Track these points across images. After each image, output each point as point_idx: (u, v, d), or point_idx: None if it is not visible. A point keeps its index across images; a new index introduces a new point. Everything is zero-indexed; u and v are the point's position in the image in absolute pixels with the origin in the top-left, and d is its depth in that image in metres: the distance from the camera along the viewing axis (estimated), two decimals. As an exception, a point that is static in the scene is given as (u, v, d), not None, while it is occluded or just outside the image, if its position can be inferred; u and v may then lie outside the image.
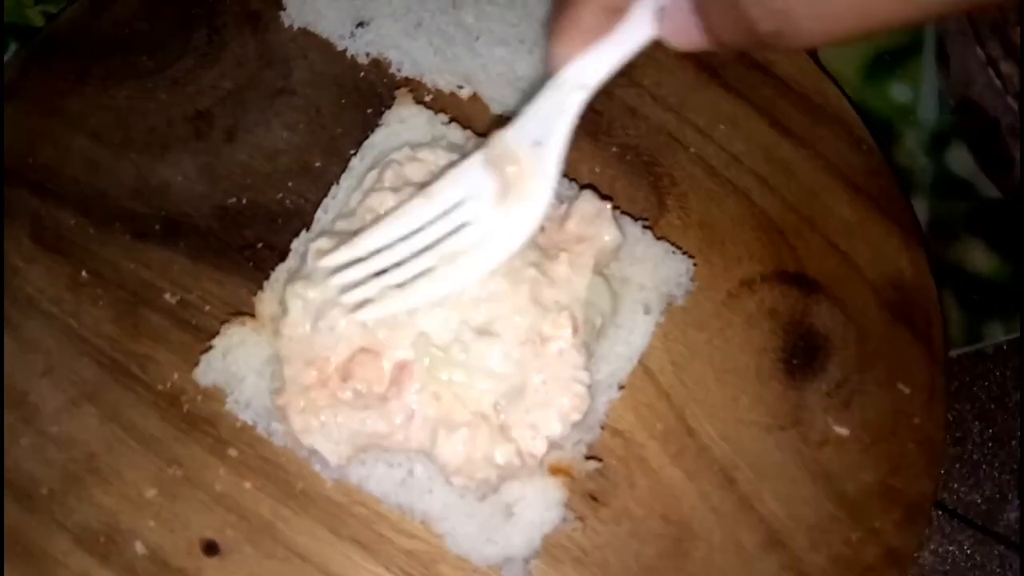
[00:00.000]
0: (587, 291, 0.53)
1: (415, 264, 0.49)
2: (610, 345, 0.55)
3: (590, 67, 0.43)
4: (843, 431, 0.57)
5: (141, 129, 0.62)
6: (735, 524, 0.55)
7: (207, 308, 0.58)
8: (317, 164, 0.61)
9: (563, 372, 0.52)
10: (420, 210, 0.49)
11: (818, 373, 0.58)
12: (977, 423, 0.65)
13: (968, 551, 0.62)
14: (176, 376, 0.56)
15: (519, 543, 0.51)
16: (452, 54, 0.63)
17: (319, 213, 0.58)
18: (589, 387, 0.52)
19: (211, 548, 0.54)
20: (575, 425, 0.52)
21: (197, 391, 0.56)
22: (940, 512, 0.63)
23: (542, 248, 0.53)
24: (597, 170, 0.62)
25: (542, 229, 0.54)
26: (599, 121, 0.63)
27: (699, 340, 0.58)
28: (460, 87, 0.63)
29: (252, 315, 0.55)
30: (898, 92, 0.71)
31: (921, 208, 0.68)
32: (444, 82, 0.63)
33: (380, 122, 0.60)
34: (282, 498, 0.54)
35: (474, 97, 0.63)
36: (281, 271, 0.56)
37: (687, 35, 0.40)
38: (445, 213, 0.48)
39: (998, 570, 0.62)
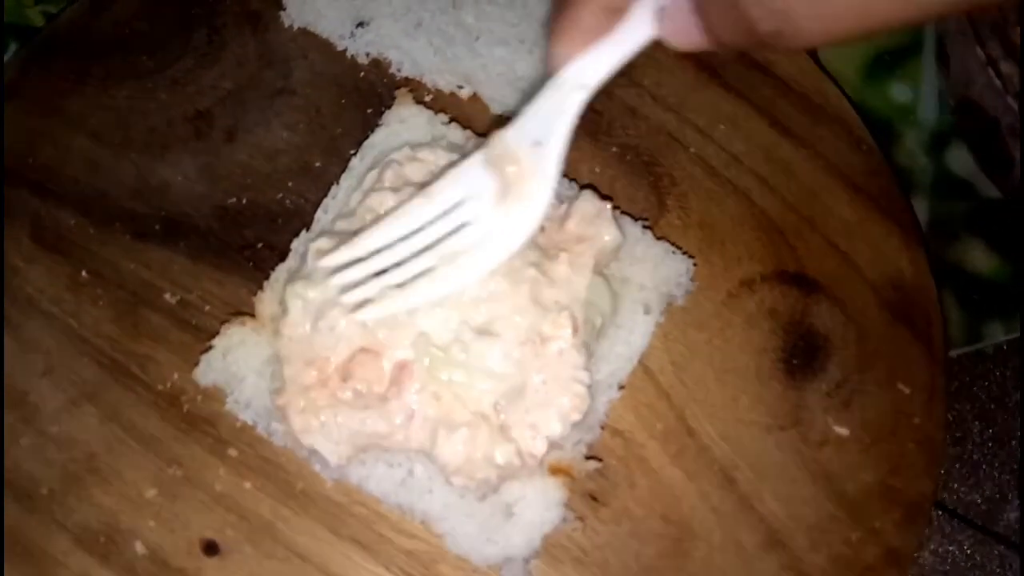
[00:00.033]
0: (587, 291, 0.53)
1: (415, 264, 0.49)
2: (610, 345, 0.55)
3: (590, 67, 0.43)
4: (843, 431, 0.57)
5: (141, 129, 0.62)
6: (735, 524, 0.55)
7: (207, 308, 0.58)
8: (317, 164, 0.61)
9: (563, 372, 0.52)
10: (420, 210, 0.49)
11: (818, 373, 0.58)
12: (977, 423, 0.65)
13: (968, 551, 0.62)
14: (176, 376, 0.56)
15: (519, 543, 0.51)
16: (452, 54, 0.63)
17: (319, 213, 0.58)
18: (589, 387, 0.52)
19: (211, 548, 0.54)
20: (575, 425, 0.52)
21: (197, 391, 0.56)
22: (940, 512, 0.63)
23: (542, 248, 0.53)
24: (597, 170, 0.62)
25: (542, 229, 0.54)
26: (599, 121, 0.63)
27: (699, 340, 0.58)
28: (460, 87, 0.63)
29: (252, 315, 0.55)
30: (898, 92, 0.71)
31: (921, 208, 0.68)
32: (444, 82, 0.63)
33: (380, 122, 0.60)
34: (282, 498, 0.54)
35: (474, 97, 0.63)
36: (281, 271, 0.56)
37: (687, 35, 0.39)
38: (445, 213, 0.48)
39: (998, 570, 0.62)
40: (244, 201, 0.61)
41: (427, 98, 0.63)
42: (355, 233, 0.52)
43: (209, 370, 0.55)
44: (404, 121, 0.60)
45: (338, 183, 0.59)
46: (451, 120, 0.60)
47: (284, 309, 0.52)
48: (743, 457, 0.56)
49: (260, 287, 0.56)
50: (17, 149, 0.61)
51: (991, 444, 0.65)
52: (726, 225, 0.61)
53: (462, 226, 0.48)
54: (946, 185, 0.69)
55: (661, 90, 0.63)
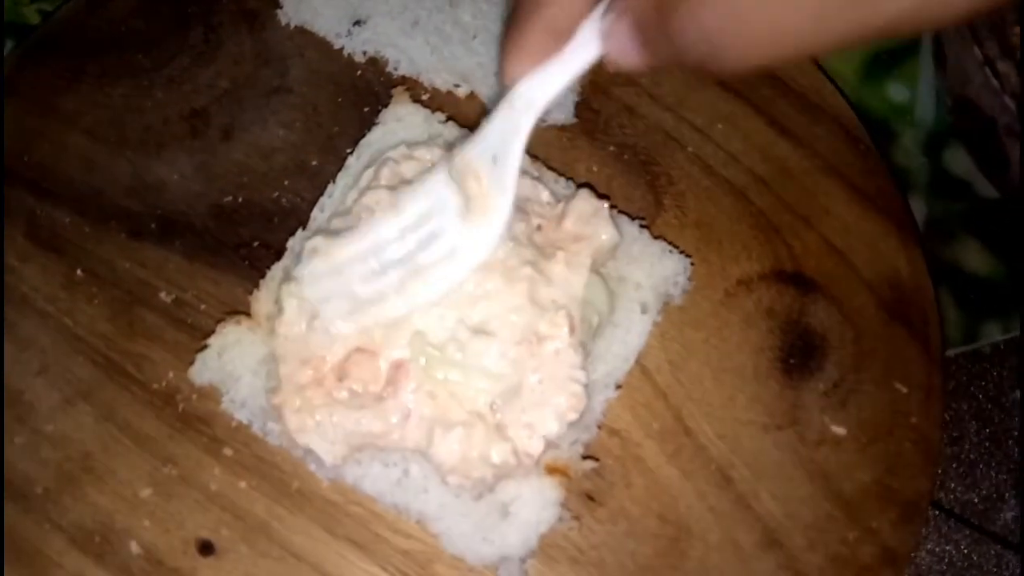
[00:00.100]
0: (584, 290, 0.53)
1: (387, 279, 0.50)
2: (607, 344, 0.55)
3: (539, 86, 0.46)
4: (840, 430, 0.57)
5: (137, 127, 0.62)
6: (732, 523, 0.54)
7: (203, 307, 0.58)
8: (313, 163, 0.61)
9: (560, 371, 0.52)
10: (389, 222, 0.51)
11: (815, 372, 0.58)
12: (974, 423, 0.65)
13: (965, 551, 0.62)
14: (171, 375, 0.56)
15: (515, 543, 0.51)
16: (449, 52, 0.63)
17: (315, 212, 0.58)
18: (586, 386, 0.52)
19: (206, 548, 0.53)
20: (571, 424, 0.52)
21: (192, 390, 0.56)
22: (937, 512, 0.63)
23: (539, 247, 0.53)
24: (594, 169, 0.62)
25: (538, 228, 0.54)
26: (596, 120, 0.63)
27: (696, 339, 0.58)
28: (457, 85, 0.63)
29: (248, 314, 0.55)
30: (895, 92, 0.71)
31: (918, 208, 0.68)
32: (441, 80, 0.63)
33: (377, 120, 0.60)
34: (277, 497, 0.54)
35: (471, 95, 0.63)
36: (277, 270, 0.56)
37: (628, 56, 0.41)
38: (414, 225, 0.50)
39: (995, 570, 0.62)
40: (240, 200, 0.60)
41: (424, 96, 0.63)
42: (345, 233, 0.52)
43: (204, 369, 0.54)
44: (401, 119, 0.60)
45: (334, 182, 0.58)
46: (448, 118, 0.60)
47: (279, 308, 0.52)
48: (740, 456, 0.56)
49: (256, 286, 0.56)
50: (12, 147, 0.61)
51: (988, 444, 0.65)
52: (723, 224, 0.61)
53: (431, 237, 0.50)
54: (943, 185, 0.69)
55: (659, 89, 0.63)
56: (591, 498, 0.55)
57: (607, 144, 0.62)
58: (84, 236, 0.59)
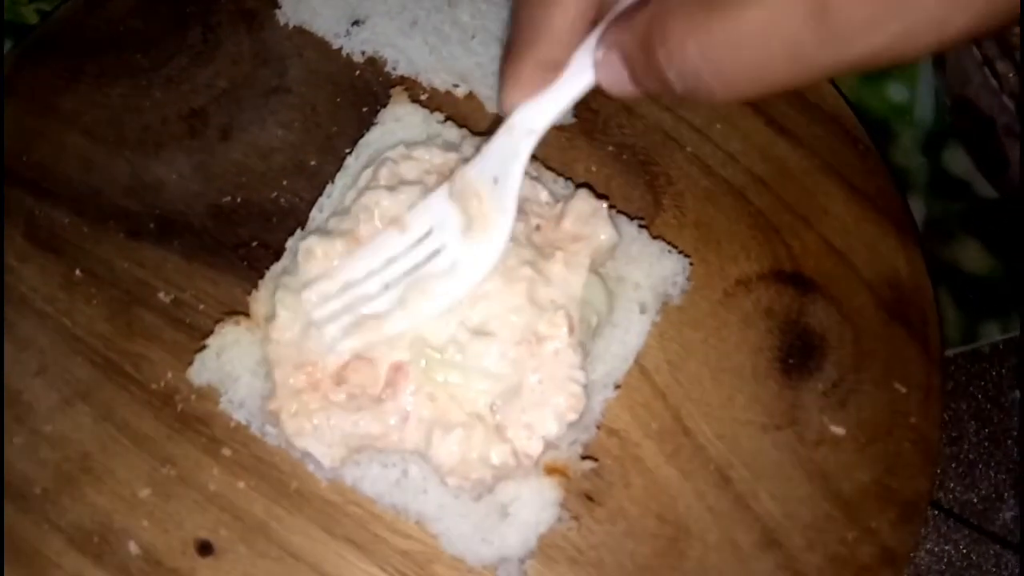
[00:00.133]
0: (583, 290, 0.53)
1: (389, 295, 0.51)
2: (606, 344, 0.55)
3: (537, 113, 0.47)
4: (839, 430, 0.57)
5: (135, 127, 0.62)
6: (731, 523, 0.54)
7: (201, 307, 0.58)
8: (312, 163, 0.61)
9: (559, 372, 0.51)
10: (393, 239, 0.52)
11: (814, 372, 0.58)
12: (973, 422, 0.65)
13: (964, 550, 0.62)
14: (170, 375, 0.56)
15: (514, 543, 0.51)
16: (447, 52, 0.63)
17: (314, 212, 0.58)
18: (585, 387, 0.52)
19: (205, 548, 0.53)
20: (571, 425, 0.52)
21: (191, 390, 0.56)
22: (936, 511, 0.63)
23: (538, 247, 0.53)
24: (593, 169, 0.62)
25: (537, 228, 0.54)
26: (595, 120, 0.63)
27: (695, 339, 0.58)
28: (456, 85, 0.63)
29: (246, 314, 0.55)
30: (895, 92, 0.71)
31: (917, 207, 0.68)
32: (439, 80, 0.63)
33: (375, 120, 0.60)
34: (276, 498, 0.54)
35: (470, 95, 0.63)
36: (276, 270, 0.56)
37: (619, 84, 0.43)
38: (417, 242, 0.51)
39: (994, 570, 0.62)
40: (239, 200, 0.60)
41: (422, 96, 0.63)
42: (346, 234, 0.52)
43: (203, 369, 0.54)
44: (399, 120, 0.60)
45: (333, 182, 0.58)
46: (446, 119, 0.60)
47: (273, 313, 0.52)
48: (739, 456, 0.56)
49: (255, 286, 0.55)
50: (11, 147, 0.61)
51: (987, 443, 0.65)
52: (722, 224, 0.61)
53: (434, 254, 0.51)
54: (942, 185, 0.69)
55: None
56: (590, 498, 0.55)
57: (606, 144, 0.62)
58: (83, 236, 0.59)
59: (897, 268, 0.60)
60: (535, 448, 0.51)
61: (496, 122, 0.57)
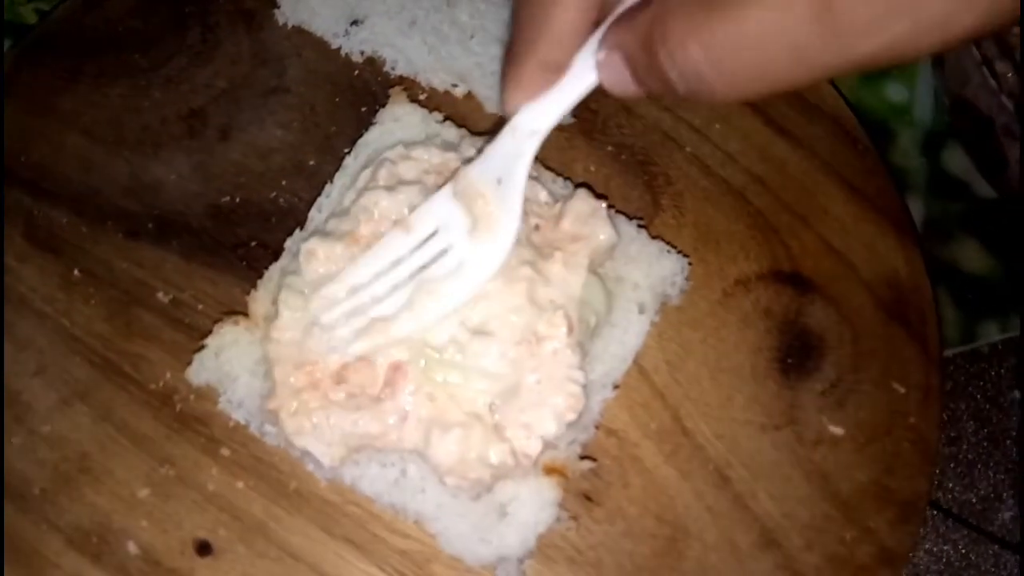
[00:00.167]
0: (582, 290, 0.53)
1: (397, 296, 0.51)
2: (605, 344, 0.55)
3: (540, 114, 0.47)
4: (838, 430, 0.57)
5: (134, 127, 0.62)
6: (729, 523, 0.54)
7: (200, 307, 0.58)
8: (311, 163, 0.61)
9: (558, 372, 0.51)
10: (398, 240, 0.52)
11: (813, 372, 0.58)
12: (972, 423, 0.65)
13: (962, 551, 0.62)
14: (169, 375, 0.56)
15: (513, 543, 0.51)
16: (446, 52, 0.63)
17: (313, 212, 0.58)
18: (584, 387, 0.52)
19: (204, 548, 0.53)
20: (569, 425, 0.52)
21: (190, 390, 0.56)
22: (935, 512, 0.63)
23: (537, 247, 0.53)
24: (592, 169, 0.62)
25: (536, 228, 0.54)
26: (594, 120, 0.63)
27: (694, 339, 0.58)
28: (454, 85, 0.63)
29: (245, 314, 0.55)
30: (894, 92, 0.71)
31: (916, 207, 0.68)
32: (438, 80, 0.63)
33: (374, 120, 0.60)
34: (275, 497, 0.54)
35: (468, 95, 0.63)
36: (275, 270, 0.56)
37: (622, 85, 0.43)
38: (423, 243, 0.51)
39: (992, 570, 0.62)
40: (237, 200, 0.60)
41: (421, 96, 0.63)
42: (346, 235, 0.52)
43: (202, 369, 0.54)
44: (398, 119, 0.60)
45: (332, 182, 0.58)
46: (445, 118, 0.60)
47: (275, 312, 0.52)
48: (738, 456, 0.56)
49: (253, 286, 0.55)
50: (10, 147, 0.61)
51: (986, 444, 0.65)
52: (721, 224, 0.61)
53: (440, 254, 0.51)
54: (941, 185, 0.69)
55: (656, 91, 0.63)
56: (589, 498, 0.55)
57: (605, 144, 0.62)
58: (81, 236, 0.59)
59: (896, 268, 0.60)
60: (534, 448, 0.51)
61: (496, 122, 0.57)
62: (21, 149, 0.61)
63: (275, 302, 0.53)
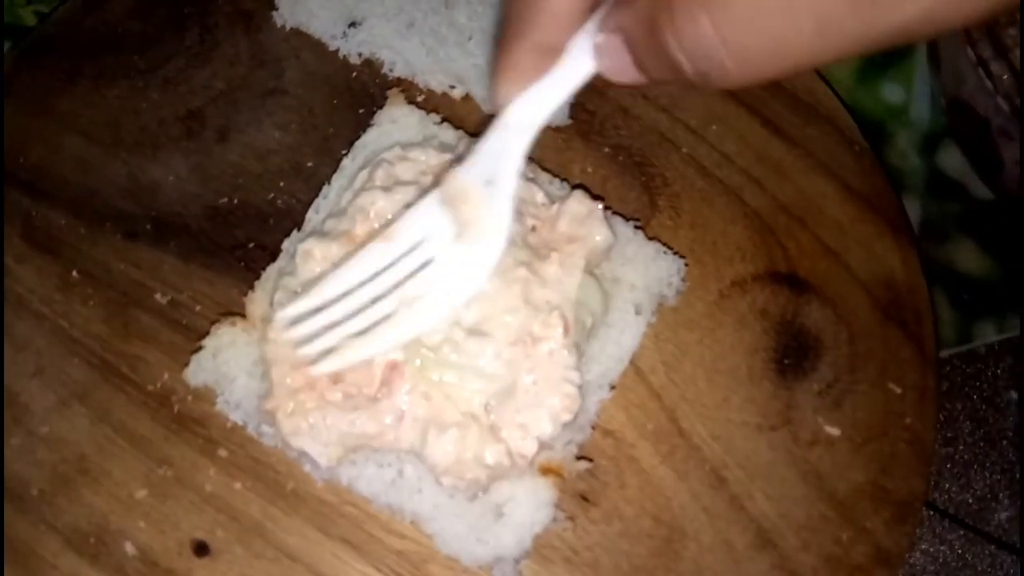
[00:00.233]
0: (578, 291, 0.53)
1: (376, 310, 0.48)
2: (601, 345, 0.55)
3: (533, 106, 0.44)
4: (834, 431, 0.57)
5: (132, 128, 0.62)
6: (726, 524, 0.55)
7: (198, 308, 0.58)
8: (309, 164, 0.61)
9: (554, 372, 0.52)
10: (381, 251, 0.49)
11: (809, 373, 0.58)
12: (968, 423, 0.65)
13: (959, 551, 0.62)
14: (166, 376, 0.56)
15: (509, 543, 0.51)
16: (444, 54, 0.63)
17: (310, 213, 0.58)
18: (580, 387, 0.52)
19: (201, 548, 0.54)
20: (566, 425, 0.52)
21: (187, 391, 0.56)
22: (931, 512, 0.63)
23: (533, 248, 0.53)
24: (589, 170, 0.62)
25: (533, 229, 0.54)
26: (591, 121, 0.63)
27: (690, 340, 0.58)
28: (452, 87, 0.63)
29: (243, 315, 0.55)
30: (890, 93, 0.71)
31: (913, 208, 0.68)
32: (436, 82, 0.63)
33: (372, 122, 0.60)
34: (272, 498, 0.54)
35: (466, 97, 0.63)
36: (272, 271, 0.56)
37: (622, 72, 0.40)
38: (406, 253, 0.48)
39: (989, 570, 0.62)
40: (235, 201, 0.61)
41: (419, 98, 0.63)
42: (342, 235, 0.52)
43: (199, 370, 0.55)
44: (396, 121, 0.60)
45: (329, 183, 0.59)
46: (443, 120, 0.60)
47: (272, 313, 0.52)
48: (734, 457, 0.56)
49: (251, 287, 0.56)
50: (8, 148, 0.61)
51: (982, 444, 0.65)
52: (717, 225, 0.61)
53: (424, 266, 0.48)
54: (938, 185, 0.69)
55: (653, 90, 0.63)
56: (585, 499, 0.55)
57: (602, 145, 0.62)
58: (79, 237, 0.60)
59: (892, 269, 0.60)
60: (530, 448, 0.51)
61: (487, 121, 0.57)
62: (20, 150, 0.61)
63: (272, 303, 0.53)
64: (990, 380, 0.66)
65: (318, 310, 0.50)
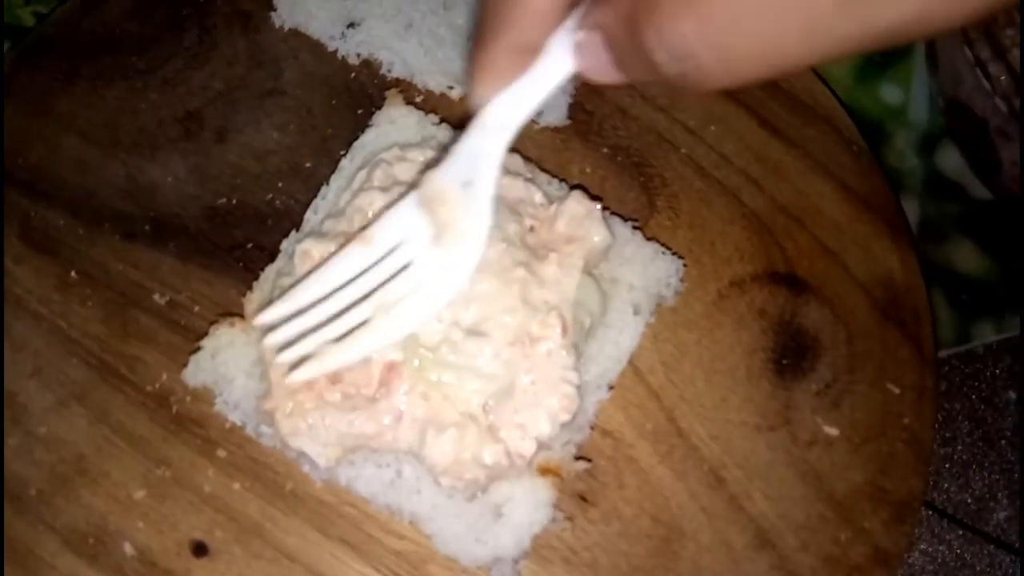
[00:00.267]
0: (576, 291, 0.53)
1: (353, 315, 0.47)
2: (599, 345, 0.55)
3: (511, 107, 0.43)
4: (833, 431, 0.57)
5: (131, 129, 0.62)
6: (724, 524, 0.55)
7: (196, 309, 0.58)
8: (307, 165, 0.61)
9: (552, 373, 0.52)
10: (358, 255, 0.48)
11: (808, 373, 0.58)
12: (967, 423, 0.65)
13: (957, 551, 0.63)
14: (165, 377, 0.56)
15: (508, 543, 0.51)
16: (442, 55, 0.63)
17: (309, 213, 0.58)
18: (578, 387, 0.52)
19: (200, 549, 0.53)
20: (564, 425, 0.52)
21: (186, 392, 0.56)
22: (930, 512, 0.63)
23: (531, 248, 0.53)
24: (587, 170, 0.62)
25: (531, 229, 0.54)
26: (589, 121, 0.63)
27: (689, 340, 0.58)
28: (450, 88, 0.63)
29: (241, 316, 0.55)
30: (889, 93, 0.71)
31: (911, 208, 0.68)
32: (434, 83, 0.63)
33: (370, 122, 0.60)
34: (271, 499, 0.54)
35: (465, 98, 0.63)
36: (270, 272, 0.56)
37: (602, 71, 0.39)
38: (383, 257, 0.47)
39: (987, 570, 0.62)
40: (234, 201, 0.61)
41: (417, 99, 0.63)
42: (340, 236, 0.52)
43: (198, 371, 0.55)
44: (394, 122, 0.60)
45: (328, 183, 0.59)
46: (441, 121, 0.60)
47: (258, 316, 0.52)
48: (732, 457, 0.56)
49: (249, 288, 0.56)
50: (7, 149, 0.61)
51: (981, 444, 0.65)
52: (716, 226, 0.61)
53: (402, 270, 0.47)
54: (936, 186, 0.69)
55: (651, 90, 0.63)
56: (584, 499, 0.55)
57: (600, 146, 0.62)
58: (78, 238, 0.60)
59: (891, 269, 0.60)
60: (528, 448, 0.51)
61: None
62: (18, 151, 0.61)
63: (271, 303, 0.53)
64: (989, 380, 0.66)
65: (297, 314, 0.49)
